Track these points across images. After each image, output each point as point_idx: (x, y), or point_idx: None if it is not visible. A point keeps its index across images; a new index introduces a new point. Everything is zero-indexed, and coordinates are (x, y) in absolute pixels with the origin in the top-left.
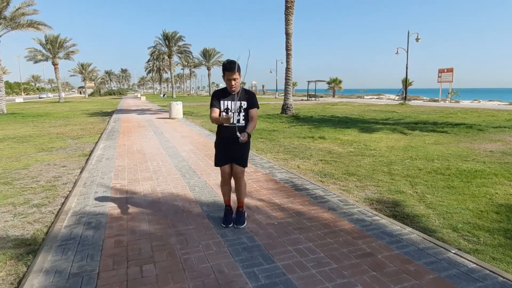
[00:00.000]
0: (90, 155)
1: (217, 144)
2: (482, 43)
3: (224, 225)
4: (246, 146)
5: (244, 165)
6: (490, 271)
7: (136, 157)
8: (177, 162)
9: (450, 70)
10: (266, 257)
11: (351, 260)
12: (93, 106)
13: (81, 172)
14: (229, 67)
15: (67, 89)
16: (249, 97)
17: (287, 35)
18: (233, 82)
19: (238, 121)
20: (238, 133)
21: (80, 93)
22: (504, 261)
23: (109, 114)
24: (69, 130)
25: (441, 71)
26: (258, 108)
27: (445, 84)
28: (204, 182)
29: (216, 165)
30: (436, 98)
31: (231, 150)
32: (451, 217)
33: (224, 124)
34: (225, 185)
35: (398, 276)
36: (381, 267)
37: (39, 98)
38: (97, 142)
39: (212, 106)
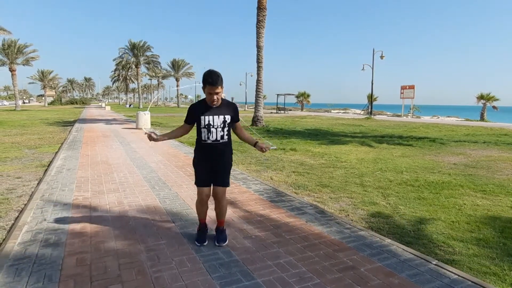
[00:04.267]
0: (49, 165)
1: (197, 163)
2: (440, 63)
3: (198, 244)
4: (228, 164)
5: (226, 185)
6: (472, 282)
7: (100, 168)
8: (145, 173)
9: (412, 87)
10: (245, 273)
11: (333, 274)
12: (53, 115)
13: (38, 183)
14: (211, 81)
15: (25, 97)
16: (233, 110)
17: (258, 48)
18: (214, 97)
19: (222, 137)
20: (269, 147)
21: (39, 101)
22: (481, 272)
23: (71, 123)
24: (25, 139)
25: (403, 87)
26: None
27: (407, 100)
28: (175, 194)
29: (196, 184)
30: (399, 113)
31: (212, 168)
32: (425, 227)
33: (204, 141)
34: (202, 206)
35: None
36: (365, 280)
37: None
38: (57, 152)
39: (185, 121)
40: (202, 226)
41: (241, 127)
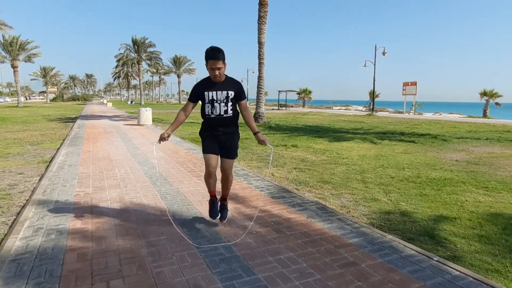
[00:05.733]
0: (50, 161)
1: (203, 136)
2: (443, 60)
3: (212, 218)
4: (234, 138)
5: (233, 157)
6: (474, 278)
7: (102, 164)
8: (147, 169)
9: (414, 84)
10: (246, 269)
11: (334, 270)
12: (55, 112)
13: (40, 179)
14: (213, 55)
15: (27, 94)
16: (237, 86)
17: (260, 44)
18: (217, 72)
19: (226, 111)
20: (268, 144)
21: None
22: (483, 268)
23: (73, 119)
24: (27, 136)
25: (405, 84)
26: (246, 99)
27: (409, 97)
28: (176, 190)
29: (204, 152)
30: (401, 110)
31: (218, 141)
32: (426, 224)
33: (208, 116)
34: (210, 178)
35: (383, 286)
36: (366, 276)
37: None
38: (59, 148)
39: (189, 99)
40: (212, 198)
41: (248, 109)
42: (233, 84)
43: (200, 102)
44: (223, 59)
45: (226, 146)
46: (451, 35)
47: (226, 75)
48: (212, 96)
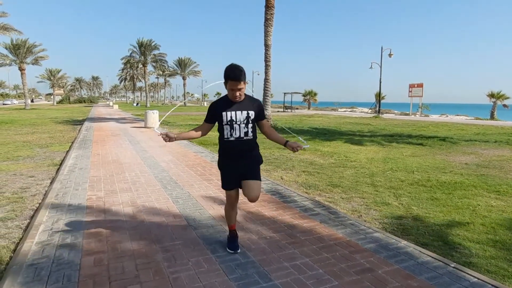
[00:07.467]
0: (61, 164)
1: (222, 165)
2: (449, 61)
3: (232, 251)
4: (256, 160)
5: (259, 177)
6: (492, 285)
7: (112, 167)
8: (157, 173)
9: (420, 85)
10: (262, 275)
11: (351, 276)
12: (62, 114)
13: (51, 182)
14: (234, 76)
15: (34, 96)
16: (257, 106)
17: (266, 46)
18: (237, 93)
19: (246, 134)
20: (301, 146)
21: (48, 100)
22: (499, 274)
23: (80, 122)
24: (36, 138)
25: (411, 86)
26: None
27: (415, 99)
28: (187, 193)
29: (223, 187)
30: (407, 112)
31: (239, 168)
32: (439, 229)
33: (226, 139)
34: (232, 210)
35: None
36: (384, 283)
37: (3, 104)
38: (68, 151)
39: (205, 120)
40: (232, 232)
41: (269, 125)
42: (253, 103)
43: (217, 124)
44: (245, 79)
45: (248, 167)
46: (457, 35)
47: (244, 94)
48: (231, 117)
